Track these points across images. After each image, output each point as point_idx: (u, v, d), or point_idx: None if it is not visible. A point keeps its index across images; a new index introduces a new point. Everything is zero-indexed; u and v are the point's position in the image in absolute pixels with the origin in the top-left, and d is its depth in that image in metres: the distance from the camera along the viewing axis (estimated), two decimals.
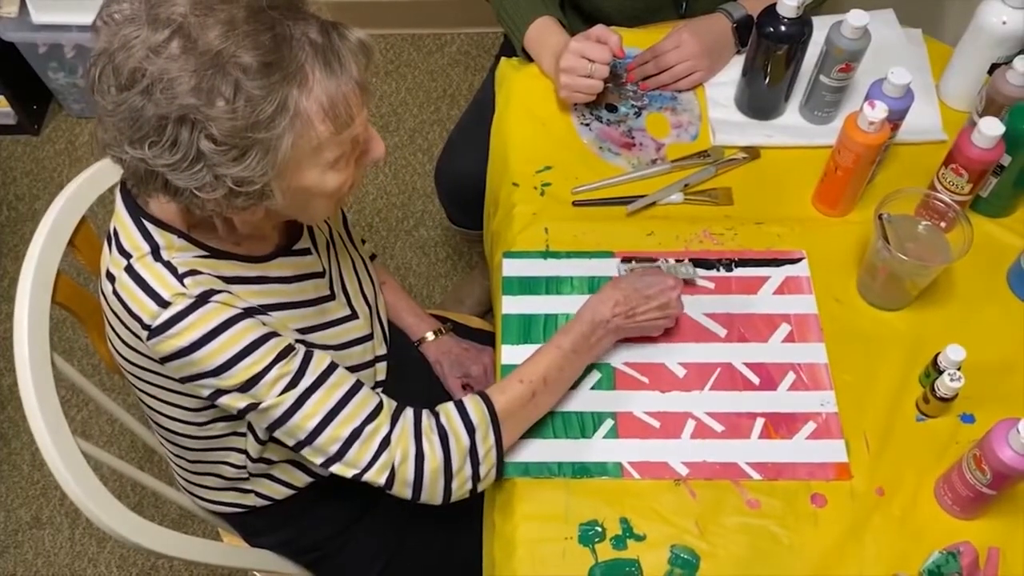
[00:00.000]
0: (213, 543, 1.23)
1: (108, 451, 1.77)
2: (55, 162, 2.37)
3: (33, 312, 1.07)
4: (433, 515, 1.08)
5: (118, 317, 0.98)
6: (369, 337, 1.20)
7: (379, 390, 1.21)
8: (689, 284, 1.21)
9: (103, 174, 1.18)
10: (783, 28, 1.23)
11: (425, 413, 1.04)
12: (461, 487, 1.03)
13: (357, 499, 1.23)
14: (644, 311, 1.11)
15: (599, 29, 1.30)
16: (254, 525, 1.30)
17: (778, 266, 1.23)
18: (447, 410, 1.04)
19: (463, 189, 1.59)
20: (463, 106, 2.40)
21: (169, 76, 0.80)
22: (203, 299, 0.94)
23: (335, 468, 1.01)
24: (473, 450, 1.02)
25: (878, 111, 1.12)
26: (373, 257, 1.37)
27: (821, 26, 1.26)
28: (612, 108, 1.39)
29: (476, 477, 1.03)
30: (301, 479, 1.22)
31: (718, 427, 1.11)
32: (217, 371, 0.94)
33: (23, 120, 2.35)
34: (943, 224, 1.16)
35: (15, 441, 1.98)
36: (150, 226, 0.96)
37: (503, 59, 1.48)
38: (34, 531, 1.90)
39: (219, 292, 0.95)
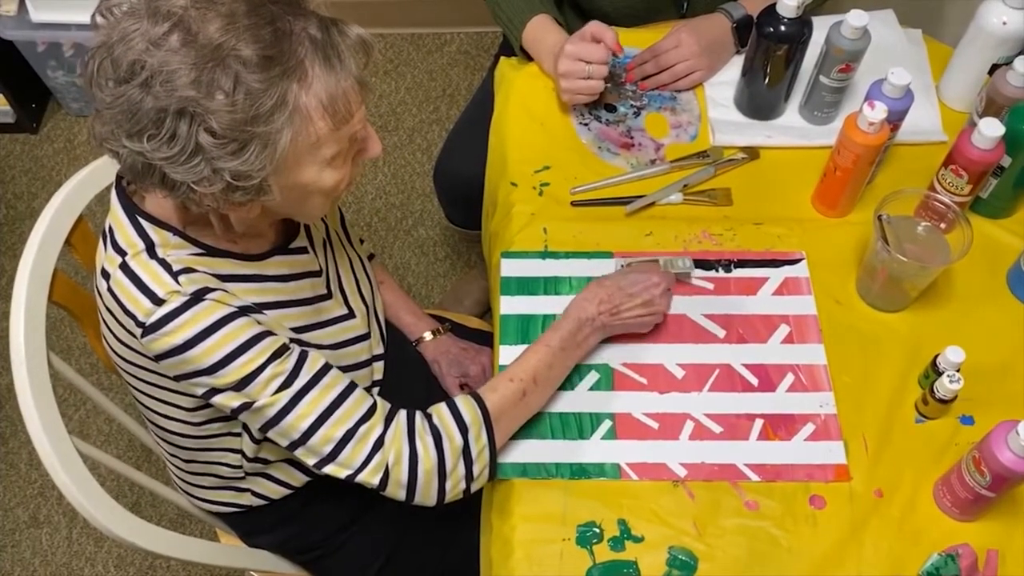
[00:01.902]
0: (210, 543, 1.23)
1: (105, 451, 1.77)
2: (54, 160, 2.36)
3: (30, 311, 1.07)
4: (431, 515, 1.08)
5: (113, 315, 0.97)
6: (366, 336, 1.19)
7: (376, 389, 1.20)
8: (685, 280, 1.21)
9: (101, 172, 1.17)
10: (783, 28, 1.23)
11: (418, 414, 1.03)
12: (455, 487, 1.02)
13: (355, 499, 1.22)
14: (628, 308, 1.12)
15: (594, 26, 1.30)
16: (251, 525, 1.30)
17: (777, 267, 1.23)
18: (439, 411, 1.04)
19: (462, 189, 1.59)
20: (462, 106, 2.40)
21: (168, 69, 0.80)
22: (197, 297, 0.93)
23: (328, 469, 1.00)
24: (467, 450, 1.02)
25: (878, 112, 1.12)
26: (371, 257, 1.37)
27: (821, 26, 1.26)
28: (611, 108, 1.39)
29: (470, 477, 1.02)
30: (298, 478, 1.21)
31: (717, 428, 1.10)
32: (211, 369, 0.94)
33: (22, 118, 2.35)
34: (943, 225, 1.16)
35: (12, 440, 1.98)
36: (145, 223, 0.96)
37: (502, 59, 1.47)
38: (32, 530, 1.89)
39: (214, 290, 0.95)
